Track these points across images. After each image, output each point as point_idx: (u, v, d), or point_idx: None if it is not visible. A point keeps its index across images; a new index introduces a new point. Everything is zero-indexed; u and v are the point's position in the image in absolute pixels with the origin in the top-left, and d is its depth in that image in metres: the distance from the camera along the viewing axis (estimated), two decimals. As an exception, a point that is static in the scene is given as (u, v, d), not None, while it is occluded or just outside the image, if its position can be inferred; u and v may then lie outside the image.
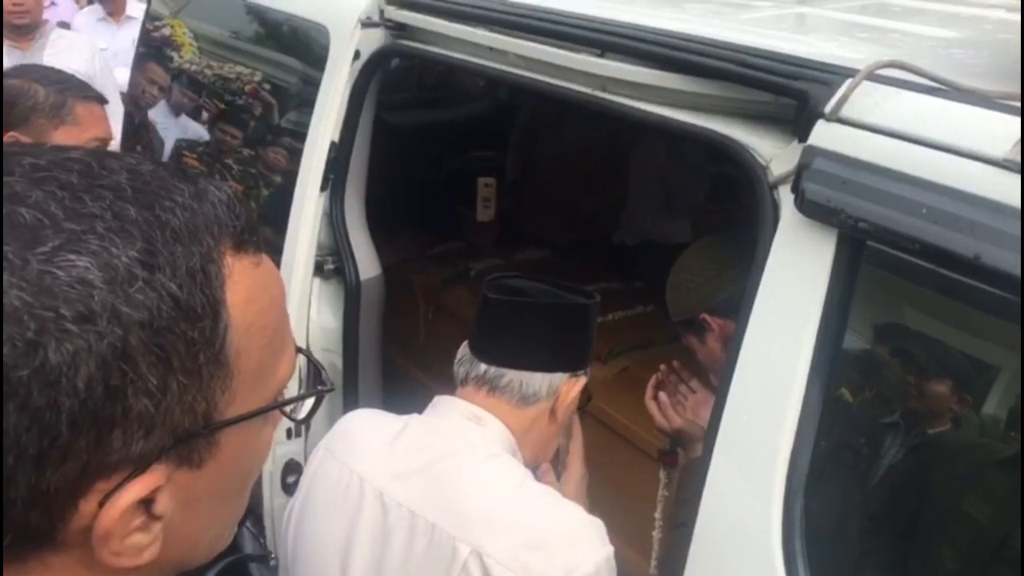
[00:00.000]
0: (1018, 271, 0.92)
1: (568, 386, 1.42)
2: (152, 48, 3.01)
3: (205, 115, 2.75)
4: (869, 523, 1.19)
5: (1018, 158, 0.96)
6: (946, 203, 0.99)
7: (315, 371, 0.87)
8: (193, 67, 2.80)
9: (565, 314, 1.39)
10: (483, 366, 1.37)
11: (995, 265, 0.94)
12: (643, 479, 2.30)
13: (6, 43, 3.61)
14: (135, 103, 3.03)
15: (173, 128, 2.89)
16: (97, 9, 4.72)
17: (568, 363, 1.42)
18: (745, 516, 1.21)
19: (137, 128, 3.07)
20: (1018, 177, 0.95)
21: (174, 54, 2.93)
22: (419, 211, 3.37)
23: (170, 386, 0.55)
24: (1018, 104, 1.05)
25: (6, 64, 3.46)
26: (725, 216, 3.13)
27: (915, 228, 1.01)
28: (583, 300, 1.41)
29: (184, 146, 2.89)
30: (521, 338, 1.37)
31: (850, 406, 1.19)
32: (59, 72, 2.03)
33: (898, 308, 1.17)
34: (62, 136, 1.88)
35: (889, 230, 1.03)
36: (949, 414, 1.11)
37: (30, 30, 3.63)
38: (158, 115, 2.97)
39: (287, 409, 0.68)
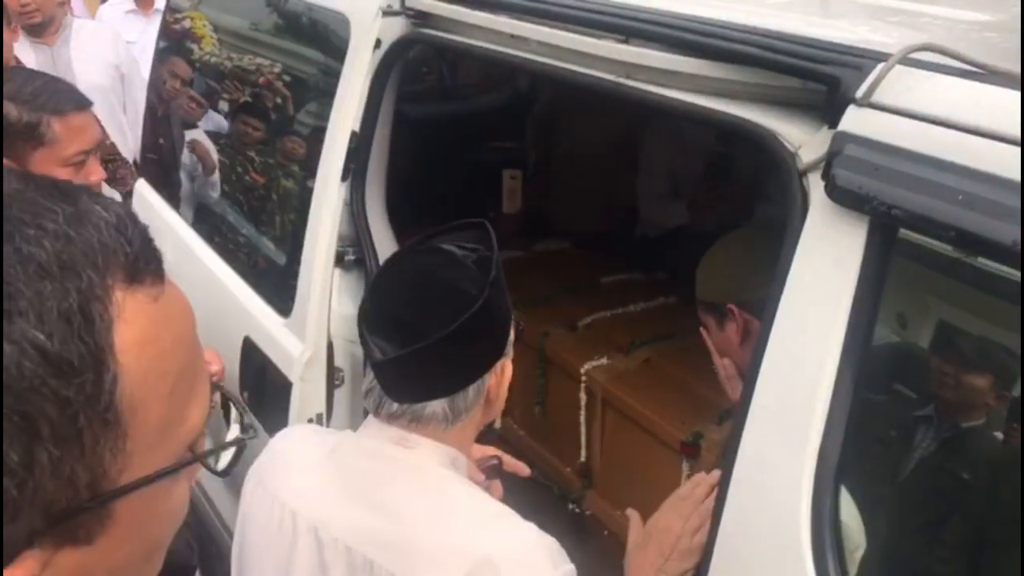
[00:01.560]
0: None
1: (497, 376, 1.28)
2: (174, 41, 3.01)
3: (226, 107, 2.76)
4: (900, 516, 1.17)
5: (1058, 142, 0.93)
6: (984, 189, 0.96)
7: (238, 413, 0.73)
8: (214, 59, 2.80)
9: (467, 328, 1.17)
10: (396, 404, 1.23)
11: (1034, 252, 0.91)
12: (666, 471, 2.29)
13: (31, 41, 3.58)
14: (158, 95, 3.04)
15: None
16: (126, 1, 4.67)
17: (490, 361, 1.26)
18: (774, 510, 1.19)
19: (158, 121, 3.08)
20: (1058, 162, 0.92)
21: (194, 46, 2.94)
22: (440, 203, 3.37)
23: (38, 459, 0.46)
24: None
25: (36, 60, 3.51)
26: (720, 195, 3.12)
27: (951, 215, 0.98)
28: (475, 294, 1.18)
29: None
30: (429, 375, 1.20)
31: (882, 399, 1.16)
32: (35, 81, 1.84)
33: (931, 298, 1.14)
34: (41, 158, 1.74)
35: (924, 217, 1.01)
36: (985, 408, 1.08)
37: (47, 26, 3.61)
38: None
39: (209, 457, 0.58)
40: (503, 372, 1.29)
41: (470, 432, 1.29)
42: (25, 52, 3.53)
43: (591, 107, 3.39)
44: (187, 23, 3.02)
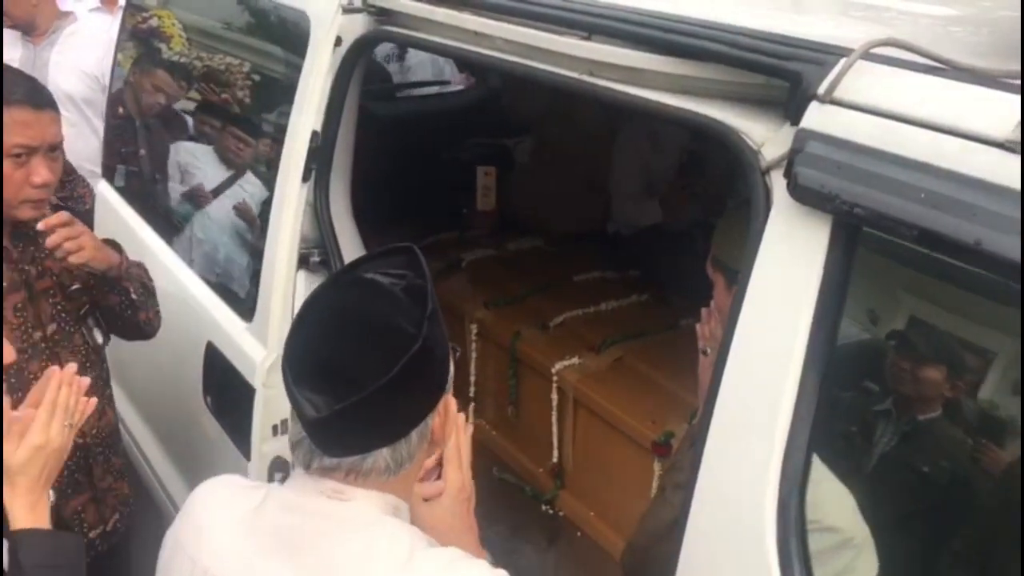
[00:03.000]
0: (1019, 257, 0.87)
1: (440, 416, 1.15)
2: (151, 49, 2.94)
3: (195, 107, 2.71)
4: (865, 513, 1.15)
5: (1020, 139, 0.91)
6: (946, 187, 0.94)
7: None
8: (183, 59, 2.75)
9: (407, 372, 1.04)
10: (331, 459, 1.09)
11: (996, 251, 0.90)
12: (638, 471, 2.27)
13: (22, 38, 3.67)
14: (137, 106, 2.94)
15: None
16: None
17: (433, 401, 1.13)
18: (739, 506, 1.17)
19: (124, 132, 2.99)
20: (1019, 158, 0.90)
21: (163, 46, 2.88)
22: (411, 202, 3.34)
23: None
24: (1019, 83, 1.00)
25: (19, 58, 3.56)
26: (692, 192, 3.10)
27: (913, 214, 0.96)
28: (412, 332, 1.06)
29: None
30: (368, 427, 1.07)
31: (847, 397, 1.15)
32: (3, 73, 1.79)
33: (895, 297, 1.13)
34: None
35: (886, 216, 0.99)
36: (941, 401, 1.07)
37: (33, 26, 3.66)
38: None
39: None
40: (447, 410, 1.17)
41: (413, 475, 1.18)
42: (13, 48, 3.61)
43: (564, 105, 3.39)
44: (154, 22, 2.96)
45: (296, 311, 1.16)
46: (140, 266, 2.07)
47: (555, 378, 2.49)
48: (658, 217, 3.17)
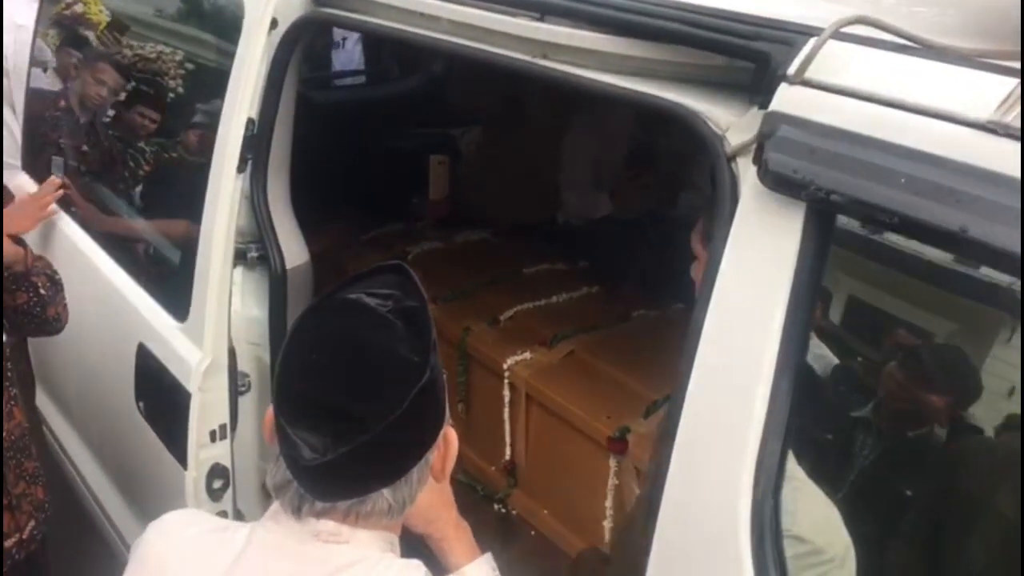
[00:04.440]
0: (1010, 243, 0.82)
1: (440, 450, 1.06)
2: (76, 36, 2.78)
3: (123, 96, 2.57)
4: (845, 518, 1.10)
5: (1005, 120, 0.86)
6: (929, 172, 0.89)
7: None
8: (115, 48, 2.61)
9: (416, 406, 0.95)
10: (323, 504, 1.00)
11: (984, 238, 0.85)
12: (593, 468, 2.22)
13: None
14: (81, 104, 2.78)
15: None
16: None
17: (434, 435, 1.03)
18: (711, 506, 1.11)
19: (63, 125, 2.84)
20: (1007, 141, 0.85)
21: (89, 33, 2.73)
22: (353, 193, 3.25)
23: None
24: (997, 63, 0.95)
25: (30, 14, 3.36)
26: (643, 183, 3.06)
27: (894, 200, 0.91)
28: (417, 361, 0.97)
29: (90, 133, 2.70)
30: (370, 468, 0.98)
31: (821, 399, 1.10)
32: None
33: (871, 288, 1.08)
34: None
35: (864, 203, 0.93)
36: (927, 406, 1.02)
37: None
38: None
39: None
40: (447, 444, 1.06)
41: (418, 511, 1.10)
42: None
43: (512, 95, 3.33)
44: (79, 8, 2.81)
45: (284, 343, 1.02)
46: (44, 259, 1.98)
47: (507, 374, 2.41)
48: (608, 209, 3.12)
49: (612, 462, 2.18)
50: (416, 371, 0.96)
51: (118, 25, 2.63)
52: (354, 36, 4.13)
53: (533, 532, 2.43)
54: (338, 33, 4.01)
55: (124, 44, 2.57)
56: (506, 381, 2.42)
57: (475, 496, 2.53)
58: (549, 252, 3.01)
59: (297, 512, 1.01)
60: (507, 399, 2.45)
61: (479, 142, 3.56)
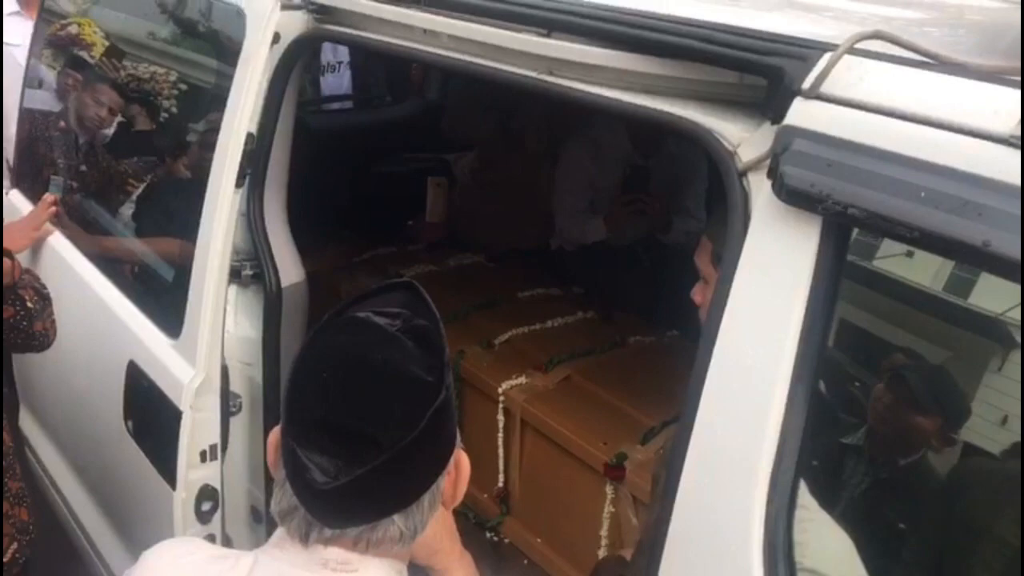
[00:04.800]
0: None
1: (451, 476, 1.02)
2: (71, 56, 2.77)
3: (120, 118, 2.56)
4: (860, 544, 1.07)
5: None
6: (951, 185, 0.87)
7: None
8: (114, 68, 2.60)
9: (432, 426, 0.92)
10: (331, 531, 0.97)
11: (1007, 253, 0.83)
12: (588, 495, 2.18)
13: (20, 16, 3.78)
14: (80, 122, 2.76)
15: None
16: (9, 2, 4.44)
17: (446, 458, 1.00)
18: (722, 540, 1.08)
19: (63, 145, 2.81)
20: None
21: (84, 54, 2.72)
22: (349, 216, 3.24)
23: None
24: (1018, 79, 0.95)
25: (21, 34, 3.48)
26: (638, 209, 3.06)
27: (914, 214, 0.89)
28: (431, 381, 0.94)
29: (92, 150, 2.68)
30: (383, 492, 0.94)
31: (837, 422, 1.07)
32: None
33: (890, 304, 1.06)
34: None
35: (884, 216, 0.92)
36: (947, 430, 1.00)
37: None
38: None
39: None
40: (458, 469, 1.03)
41: (425, 540, 1.05)
42: None
43: (507, 122, 3.34)
44: (73, 29, 2.80)
45: (293, 363, 0.98)
46: (32, 272, 1.95)
47: (501, 398, 2.38)
48: (602, 234, 3.10)
49: (609, 489, 2.15)
50: (431, 390, 0.93)
51: (115, 52, 2.63)
52: (344, 60, 4.15)
53: (526, 561, 2.39)
54: (327, 55, 4.03)
55: (120, 66, 2.56)
56: (500, 405, 2.39)
57: (467, 524, 2.48)
58: (543, 277, 2.99)
59: (304, 539, 0.97)
60: (501, 424, 2.41)
61: (473, 168, 3.56)
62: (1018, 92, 0.90)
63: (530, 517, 2.41)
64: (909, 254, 0.98)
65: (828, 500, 1.10)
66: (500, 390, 2.38)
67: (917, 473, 1.09)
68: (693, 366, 1.13)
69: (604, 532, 2.18)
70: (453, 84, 3.82)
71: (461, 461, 1.03)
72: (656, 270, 3.10)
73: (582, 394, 2.38)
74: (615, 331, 2.67)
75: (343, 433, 0.91)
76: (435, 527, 1.11)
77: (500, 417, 2.40)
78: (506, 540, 2.44)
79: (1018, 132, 0.87)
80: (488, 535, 2.45)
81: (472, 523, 2.48)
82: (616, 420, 2.25)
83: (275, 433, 0.98)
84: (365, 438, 0.90)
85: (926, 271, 0.99)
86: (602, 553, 2.19)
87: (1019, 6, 1.34)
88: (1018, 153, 0.86)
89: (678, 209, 3.14)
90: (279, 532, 1.01)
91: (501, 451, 2.43)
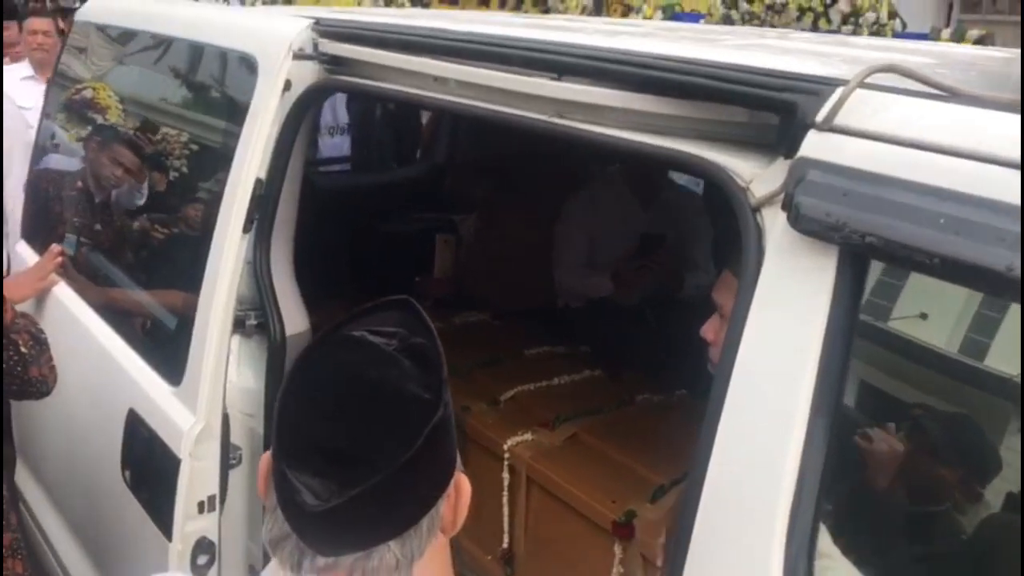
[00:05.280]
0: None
1: (451, 500, 0.97)
2: (86, 119, 2.82)
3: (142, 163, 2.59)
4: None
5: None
6: (971, 212, 0.86)
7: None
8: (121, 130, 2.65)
9: (429, 446, 0.89)
10: (325, 559, 0.92)
11: (1032, 278, 0.81)
12: (596, 555, 2.11)
13: (33, 80, 4.12)
14: (97, 182, 2.79)
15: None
16: (24, 67, 4.57)
17: (446, 480, 0.95)
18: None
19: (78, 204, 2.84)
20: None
21: (97, 116, 2.77)
22: (355, 274, 3.25)
23: None
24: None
25: (33, 97, 3.69)
26: (647, 271, 3.05)
27: (934, 241, 0.88)
28: (428, 399, 0.90)
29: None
30: (378, 516, 0.90)
31: (859, 458, 1.04)
32: None
33: (910, 334, 1.03)
34: None
35: (902, 244, 0.90)
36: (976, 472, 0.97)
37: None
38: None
39: None
40: (458, 492, 0.97)
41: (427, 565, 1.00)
42: None
43: (510, 182, 3.37)
44: (88, 93, 2.86)
45: (283, 383, 0.94)
46: (28, 316, 1.93)
47: (507, 455, 2.33)
48: (608, 291, 3.09)
49: (617, 548, 2.08)
50: (429, 408, 0.89)
51: (129, 115, 2.69)
52: (344, 123, 4.24)
53: (530, 625, 2.31)
54: (326, 117, 4.10)
55: (134, 127, 2.61)
56: (506, 463, 2.34)
57: (470, 586, 2.41)
58: (549, 336, 2.97)
59: (296, 568, 0.92)
60: (506, 482, 2.35)
61: (477, 227, 3.58)
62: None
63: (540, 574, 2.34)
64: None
65: (852, 547, 1.06)
66: (505, 447, 2.33)
67: (943, 520, 1.05)
68: (703, 420, 1.10)
69: (612, 593, 2.11)
70: (458, 146, 3.88)
71: (461, 484, 0.98)
72: (663, 328, 3.07)
73: (589, 452, 2.33)
74: (622, 389, 2.63)
75: (336, 454, 0.88)
76: (432, 567, 1.06)
77: (505, 475, 2.34)
78: (510, 604, 2.36)
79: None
80: (492, 598, 2.38)
81: (475, 586, 2.40)
82: (624, 478, 2.19)
83: (266, 458, 0.94)
84: (359, 458, 0.86)
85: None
86: (610, 616, 2.11)
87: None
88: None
89: (688, 264, 3.13)
90: (272, 564, 0.96)
91: (506, 510, 2.36)
